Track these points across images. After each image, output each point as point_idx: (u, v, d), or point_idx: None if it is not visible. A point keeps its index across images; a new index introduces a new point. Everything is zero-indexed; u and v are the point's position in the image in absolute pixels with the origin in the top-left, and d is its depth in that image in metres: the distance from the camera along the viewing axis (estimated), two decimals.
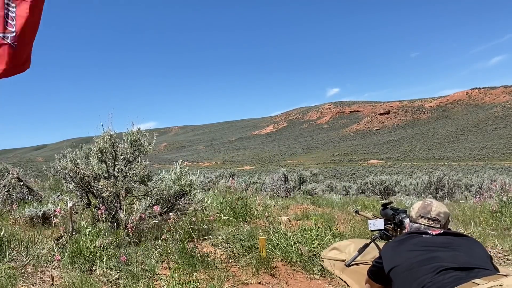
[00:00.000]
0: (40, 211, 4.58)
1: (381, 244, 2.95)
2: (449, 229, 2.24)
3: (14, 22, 1.87)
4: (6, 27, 1.85)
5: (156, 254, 3.17)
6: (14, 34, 1.89)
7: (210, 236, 3.86)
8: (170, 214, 3.80)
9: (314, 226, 3.93)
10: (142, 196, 4.38)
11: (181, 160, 4.76)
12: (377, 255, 2.38)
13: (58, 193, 6.89)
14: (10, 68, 1.98)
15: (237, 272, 3.02)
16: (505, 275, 1.69)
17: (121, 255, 3.00)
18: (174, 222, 3.60)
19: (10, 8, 1.84)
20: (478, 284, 1.61)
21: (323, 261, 3.25)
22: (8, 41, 1.87)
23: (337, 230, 4.20)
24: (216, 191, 6.93)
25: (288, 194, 12.30)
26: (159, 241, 3.31)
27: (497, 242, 4.07)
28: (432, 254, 1.91)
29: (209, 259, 3.12)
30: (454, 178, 13.25)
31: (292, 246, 3.37)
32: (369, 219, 3.07)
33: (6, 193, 5.71)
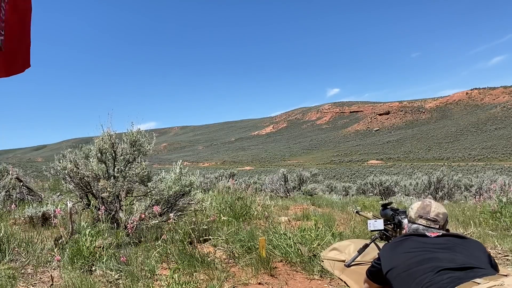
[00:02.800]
0: (39, 211, 4.58)
1: (381, 244, 2.95)
2: (448, 230, 2.25)
3: (3, 25, 1.86)
4: None
5: (156, 254, 3.16)
6: (2, 37, 1.88)
7: (210, 237, 3.86)
8: (170, 214, 3.80)
9: (314, 227, 3.93)
10: (142, 197, 4.37)
11: (181, 161, 4.75)
12: (377, 255, 2.38)
13: (58, 194, 6.89)
14: None
15: (237, 273, 3.02)
16: (506, 275, 1.70)
17: (121, 255, 3.00)
18: (174, 222, 3.60)
19: (2, 11, 1.83)
20: (479, 283, 1.61)
21: (322, 261, 3.25)
22: None
23: (337, 231, 4.20)
24: (216, 191, 6.93)
25: (288, 194, 12.30)
26: (159, 241, 3.31)
27: (496, 243, 4.07)
28: (430, 255, 1.91)
29: (209, 259, 3.12)
30: (453, 178, 13.26)
31: (292, 247, 3.37)
32: (369, 219, 3.07)
33: (5, 193, 5.71)
